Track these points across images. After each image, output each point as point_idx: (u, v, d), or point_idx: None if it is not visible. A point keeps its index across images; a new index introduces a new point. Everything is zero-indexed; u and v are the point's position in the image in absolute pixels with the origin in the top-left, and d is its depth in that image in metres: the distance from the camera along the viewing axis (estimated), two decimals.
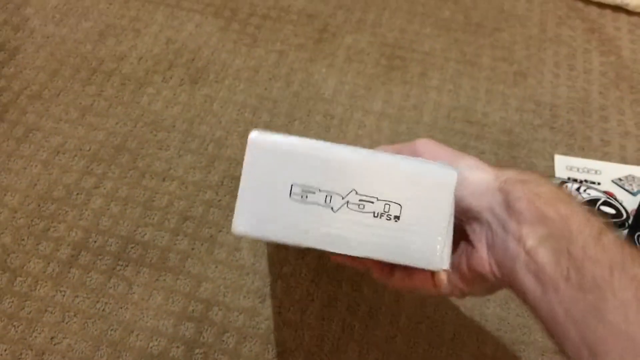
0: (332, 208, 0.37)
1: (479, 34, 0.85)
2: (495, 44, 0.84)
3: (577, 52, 0.84)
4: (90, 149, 0.69)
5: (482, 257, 0.38)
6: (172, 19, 0.83)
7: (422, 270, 0.40)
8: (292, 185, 0.37)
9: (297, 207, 0.37)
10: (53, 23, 0.81)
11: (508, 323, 0.59)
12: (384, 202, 0.37)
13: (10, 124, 0.70)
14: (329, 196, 0.37)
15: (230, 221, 0.64)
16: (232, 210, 0.65)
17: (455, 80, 0.79)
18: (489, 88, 0.79)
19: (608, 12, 0.90)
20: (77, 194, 0.65)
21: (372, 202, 0.37)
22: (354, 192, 0.37)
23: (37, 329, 0.56)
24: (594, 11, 0.90)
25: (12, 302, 0.57)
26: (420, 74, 0.80)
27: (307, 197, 0.37)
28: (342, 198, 0.37)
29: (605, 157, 0.73)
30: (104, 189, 0.66)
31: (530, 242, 0.34)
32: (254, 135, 0.37)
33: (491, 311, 0.60)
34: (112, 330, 0.56)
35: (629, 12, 0.90)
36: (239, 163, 0.69)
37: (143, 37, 0.81)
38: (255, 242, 0.63)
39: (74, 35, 0.80)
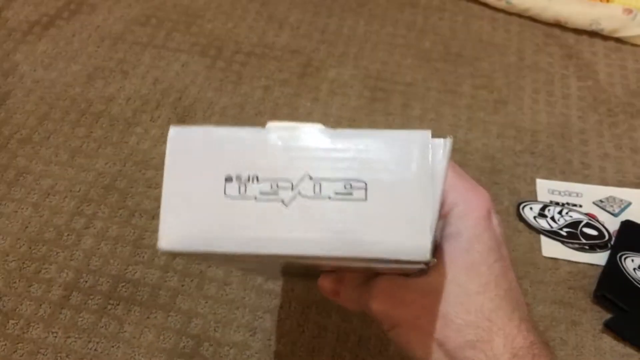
0: (282, 201, 0.29)
1: (459, 64, 0.87)
2: (475, 73, 0.86)
3: (555, 78, 0.86)
4: (80, 190, 0.70)
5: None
6: (159, 60, 0.85)
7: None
8: (225, 179, 0.29)
9: (235, 206, 0.29)
10: (42, 67, 0.83)
11: None
12: (344, 182, 0.29)
13: (1, 168, 0.72)
14: (274, 184, 0.29)
15: None
16: None
17: (437, 109, 0.81)
18: (470, 116, 0.81)
19: (584, 37, 0.93)
20: (68, 234, 0.66)
21: (330, 183, 0.29)
22: (307, 177, 0.29)
23: None
24: (570, 37, 0.93)
25: (5, 345, 0.58)
26: (403, 105, 0.82)
27: (245, 190, 0.29)
28: (293, 186, 0.29)
29: (586, 179, 0.75)
30: (94, 229, 0.67)
31: None
32: (175, 130, 0.30)
33: None
34: None
35: (604, 37, 0.92)
36: None
37: (131, 78, 0.83)
38: (244, 276, 0.64)
39: (63, 78, 0.82)
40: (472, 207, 0.32)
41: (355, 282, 0.35)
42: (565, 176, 0.75)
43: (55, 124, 0.77)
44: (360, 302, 0.35)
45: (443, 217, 0.32)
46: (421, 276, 0.32)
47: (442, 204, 0.29)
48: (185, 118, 0.78)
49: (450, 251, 0.31)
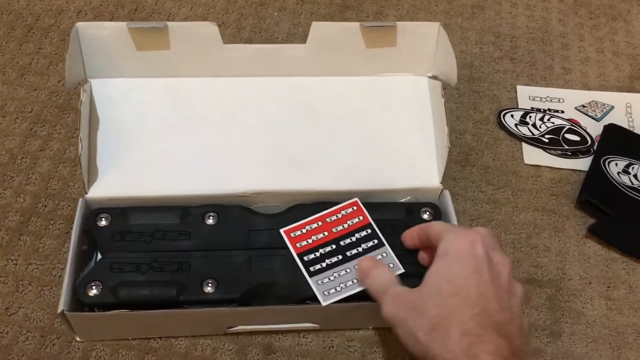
0: None
1: None
2: None
3: None
4: (32, 110, 0.65)
5: None
6: None
7: None
8: None
9: None
10: None
11: None
12: None
13: None
14: None
15: None
16: None
17: (413, 15, 0.77)
18: (447, 22, 0.77)
19: None
20: (22, 158, 0.61)
21: None
22: None
23: None
24: None
25: None
26: (376, 12, 0.77)
27: None
28: None
29: (567, 84, 0.72)
30: (51, 150, 0.62)
31: None
32: None
33: None
34: None
35: None
36: None
37: None
38: None
39: None
40: (460, 235, 0.42)
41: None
42: (546, 82, 0.72)
43: (0, 41, 0.70)
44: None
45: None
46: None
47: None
48: None
49: (437, 265, 0.41)
